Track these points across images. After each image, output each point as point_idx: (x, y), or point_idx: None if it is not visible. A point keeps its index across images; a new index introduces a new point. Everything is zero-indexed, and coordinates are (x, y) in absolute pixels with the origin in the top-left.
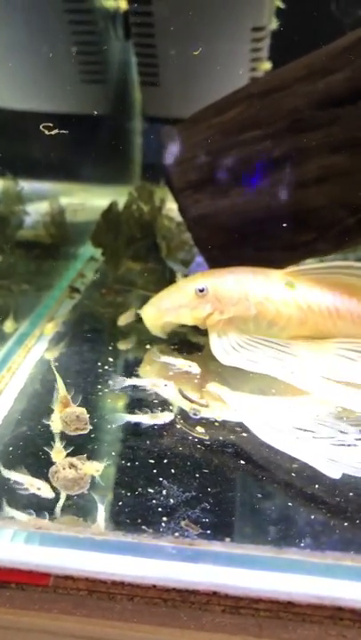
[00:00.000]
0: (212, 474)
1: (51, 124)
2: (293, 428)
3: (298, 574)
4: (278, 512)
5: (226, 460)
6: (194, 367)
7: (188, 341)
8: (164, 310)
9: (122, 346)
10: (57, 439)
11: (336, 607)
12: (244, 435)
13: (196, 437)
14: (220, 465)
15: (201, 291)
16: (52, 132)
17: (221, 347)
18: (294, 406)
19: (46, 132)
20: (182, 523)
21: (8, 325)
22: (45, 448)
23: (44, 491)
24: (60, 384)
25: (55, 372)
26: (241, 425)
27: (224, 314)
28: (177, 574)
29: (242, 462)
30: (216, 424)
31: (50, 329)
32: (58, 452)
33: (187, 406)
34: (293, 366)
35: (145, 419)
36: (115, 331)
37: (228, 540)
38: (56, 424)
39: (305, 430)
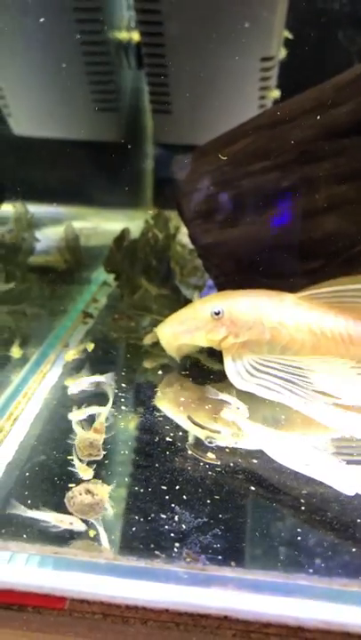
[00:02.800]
0: (224, 500)
1: None
2: (307, 449)
3: (307, 599)
4: (289, 537)
5: (237, 485)
6: (243, 409)
7: (201, 365)
8: (179, 332)
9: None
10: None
11: (344, 632)
12: (256, 461)
13: (208, 463)
14: (232, 491)
15: (217, 314)
16: None
17: (236, 371)
18: (307, 432)
19: None
20: (183, 553)
21: (14, 351)
22: (61, 473)
23: (77, 525)
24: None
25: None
26: (255, 451)
27: (239, 337)
28: (189, 599)
29: (253, 488)
30: (227, 450)
31: (71, 355)
32: (84, 470)
33: (201, 434)
34: (307, 395)
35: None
36: (129, 355)
37: (238, 565)
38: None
39: (320, 450)
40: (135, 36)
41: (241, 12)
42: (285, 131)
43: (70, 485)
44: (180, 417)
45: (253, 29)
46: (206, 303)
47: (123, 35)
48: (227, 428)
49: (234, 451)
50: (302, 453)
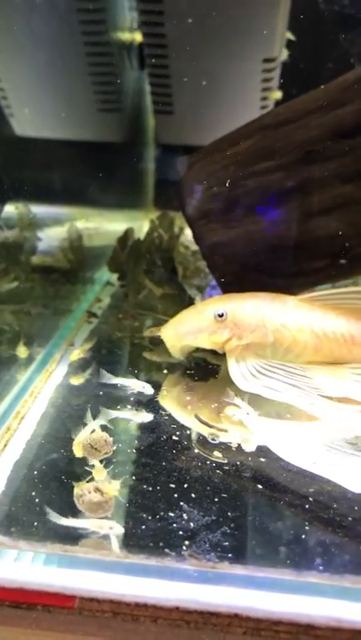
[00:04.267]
0: (232, 498)
1: None
2: (313, 447)
3: (318, 597)
4: (297, 535)
5: (245, 483)
6: (252, 414)
7: (205, 365)
8: (182, 334)
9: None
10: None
11: (355, 630)
12: (263, 459)
13: (214, 461)
14: (240, 489)
15: (220, 316)
16: None
17: (240, 373)
18: (312, 429)
19: None
20: (186, 552)
21: (20, 351)
22: (68, 471)
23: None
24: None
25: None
26: (261, 449)
27: (242, 340)
28: (199, 597)
29: (260, 486)
30: (233, 449)
31: (76, 355)
32: (98, 471)
33: (205, 431)
34: (312, 396)
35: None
36: (133, 355)
37: (248, 563)
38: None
39: (326, 449)
40: (138, 37)
41: (243, 12)
42: (290, 131)
43: (78, 484)
44: (185, 416)
45: (256, 30)
46: (209, 305)
47: (125, 35)
48: (234, 426)
49: (241, 449)
50: (309, 451)
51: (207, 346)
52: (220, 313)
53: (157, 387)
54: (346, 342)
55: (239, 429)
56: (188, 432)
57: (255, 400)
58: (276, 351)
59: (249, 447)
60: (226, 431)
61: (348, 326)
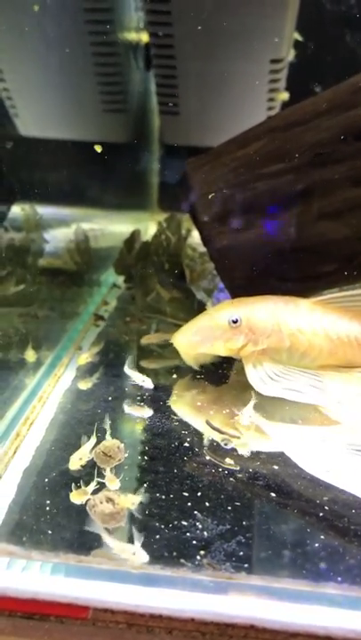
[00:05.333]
0: (246, 506)
1: None
2: (330, 455)
3: (336, 608)
4: (314, 545)
5: (260, 491)
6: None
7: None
8: (197, 342)
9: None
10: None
11: None
12: (277, 467)
13: (227, 469)
14: (255, 496)
15: (234, 322)
16: None
17: (258, 377)
18: (329, 435)
19: None
20: (204, 561)
21: (29, 355)
22: (78, 479)
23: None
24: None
25: None
26: (278, 455)
27: (258, 345)
28: (215, 607)
29: (274, 494)
30: (248, 455)
31: (84, 359)
32: (111, 480)
33: (218, 437)
34: (336, 395)
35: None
36: (140, 358)
37: (265, 573)
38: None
39: (342, 457)
40: (144, 37)
41: (251, 13)
42: (299, 133)
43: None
44: (197, 420)
45: (263, 31)
46: (222, 311)
47: (132, 36)
48: (246, 432)
49: (254, 455)
50: (324, 458)
51: (223, 353)
52: (235, 319)
53: (166, 390)
54: (359, 345)
55: (254, 435)
56: (197, 438)
57: (268, 406)
58: (292, 355)
59: (245, 451)
60: (238, 437)
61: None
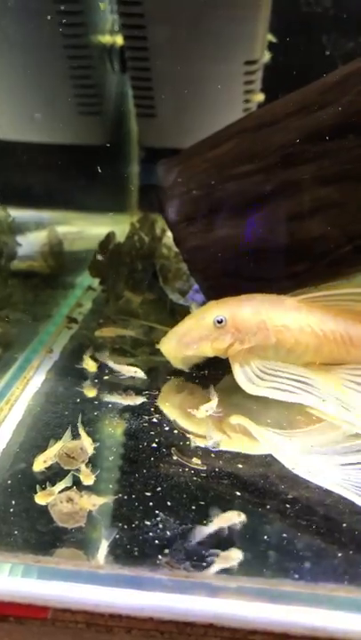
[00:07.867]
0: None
1: None
2: (318, 456)
3: (293, 605)
4: (275, 542)
5: (224, 489)
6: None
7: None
8: (184, 344)
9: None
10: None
11: (331, 639)
12: (263, 468)
13: (193, 468)
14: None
15: (220, 322)
16: None
17: (246, 377)
18: (315, 435)
19: None
20: (163, 561)
21: None
22: (43, 480)
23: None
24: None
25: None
26: (267, 456)
27: (245, 343)
28: (173, 606)
29: (239, 493)
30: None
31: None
32: (86, 476)
33: (199, 440)
34: (323, 394)
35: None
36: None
37: (222, 571)
38: None
39: (329, 457)
40: (119, 40)
41: (225, 15)
42: (269, 134)
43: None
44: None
45: (237, 33)
46: (207, 312)
47: (106, 38)
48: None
49: (247, 457)
50: (308, 460)
51: (210, 354)
52: (220, 319)
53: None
54: (345, 343)
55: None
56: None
57: (252, 408)
58: (278, 353)
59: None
60: (204, 437)
61: (346, 327)
